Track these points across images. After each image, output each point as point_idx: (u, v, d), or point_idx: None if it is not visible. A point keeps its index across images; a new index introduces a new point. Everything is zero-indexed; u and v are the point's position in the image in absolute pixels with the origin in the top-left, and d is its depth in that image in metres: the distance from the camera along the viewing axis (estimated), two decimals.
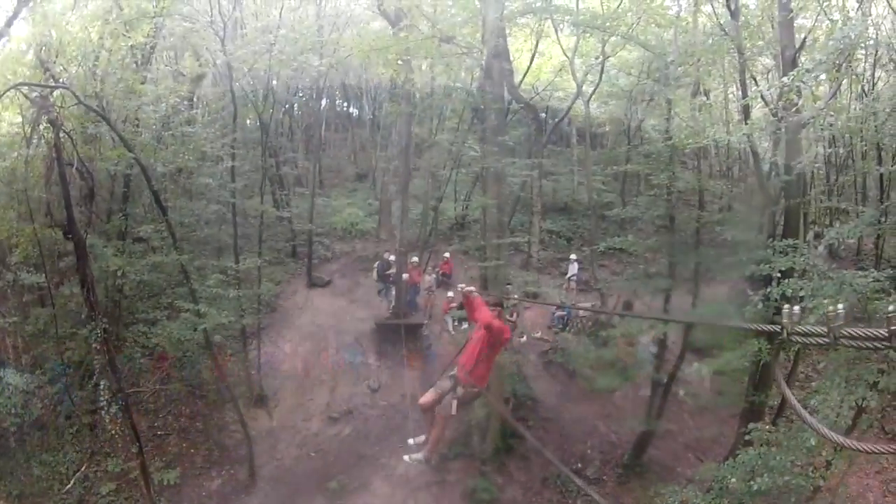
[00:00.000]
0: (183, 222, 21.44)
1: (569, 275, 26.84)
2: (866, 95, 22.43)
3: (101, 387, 16.10)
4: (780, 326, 2.79)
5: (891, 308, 2.22)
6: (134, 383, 18.71)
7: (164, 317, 20.11)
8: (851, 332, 2.47)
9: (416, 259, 25.15)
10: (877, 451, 2.86)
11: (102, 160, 17.66)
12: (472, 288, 8.82)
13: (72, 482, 16.23)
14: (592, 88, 27.12)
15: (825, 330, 2.55)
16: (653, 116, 26.34)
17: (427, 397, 9.10)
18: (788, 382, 15.74)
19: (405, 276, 23.69)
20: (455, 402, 8.69)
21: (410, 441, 9.71)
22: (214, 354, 18.35)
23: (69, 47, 16.91)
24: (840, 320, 2.49)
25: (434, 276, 26.19)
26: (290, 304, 25.57)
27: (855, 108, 22.18)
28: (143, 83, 18.84)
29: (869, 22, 17.75)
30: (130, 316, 20.72)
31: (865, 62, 22.96)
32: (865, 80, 23.43)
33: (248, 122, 28.05)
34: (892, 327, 2.21)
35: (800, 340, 2.74)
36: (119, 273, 18.42)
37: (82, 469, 16.62)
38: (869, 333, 2.39)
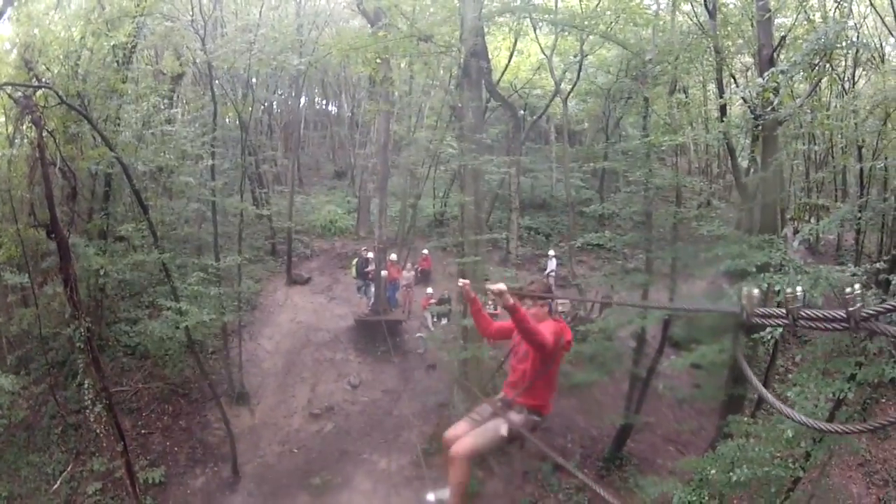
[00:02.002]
0: (164, 221, 21.48)
1: (547, 270, 27.00)
2: (846, 93, 22.69)
3: (85, 386, 16.08)
4: (739, 308, 2.90)
5: (847, 290, 2.33)
6: (117, 382, 18.71)
7: (145, 316, 20.19)
8: (810, 314, 2.57)
9: (394, 256, 25.32)
10: (841, 430, 2.98)
11: (84, 159, 17.59)
12: (501, 286, 5.29)
13: (58, 482, 16.22)
14: (571, 86, 27.32)
15: (784, 312, 2.65)
16: (630, 114, 26.52)
17: (458, 429, 6.43)
18: (768, 376, 15.94)
19: (384, 272, 23.83)
20: (506, 429, 6.02)
21: (430, 497, 6.62)
22: (196, 352, 18.34)
23: (52, 47, 16.87)
24: (798, 302, 2.60)
25: (413, 272, 26.32)
26: (271, 302, 25.64)
27: (835, 106, 22.47)
28: (124, 82, 18.84)
29: (850, 22, 17.98)
30: (112, 315, 20.73)
31: (846, 61, 23.21)
32: (846, 79, 23.69)
33: (227, 120, 28.10)
34: (850, 309, 2.32)
35: (759, 322, 2.85)
36: (101, 272, 18.42)
37: (68, 469, 16.60)
38: (827, 315, 2.49)
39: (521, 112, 32.13)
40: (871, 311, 2.26)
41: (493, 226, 28.24)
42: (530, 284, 6.54)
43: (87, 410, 15.88)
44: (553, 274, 26.81)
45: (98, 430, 16.25)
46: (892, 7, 19.77)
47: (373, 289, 24.29)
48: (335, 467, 18.35)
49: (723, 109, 17.53)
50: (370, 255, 24.39)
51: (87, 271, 18.01)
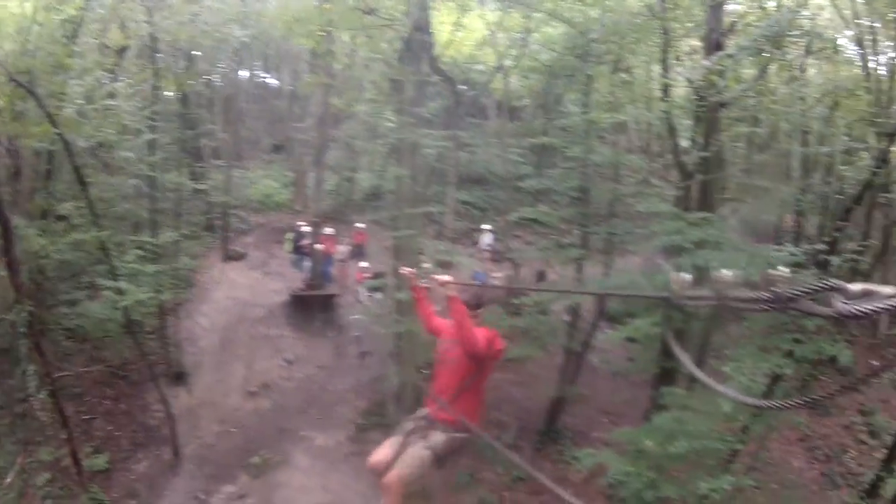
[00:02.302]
0: (102, 198, 20.99)
1: (483, 245, 27.13)
2: (795, 80, 23.04)
3: (29, 373, 15.75)
4: (668, 293, 2.92)
5: (770, 271, 2.35)
6: (59, 367, 18.22)
7: (84, 297, 19.97)
8: (737, 295, 2.60)
9: (330, 230, 25.28)
10: (770, 405, 3.03)
11: (29, 137, 17.19)
12: (447, 278, 5.82)
13: (11, 476, 15.85)
14: (513, 63, 27.32)
15: (712, 294, 2.67)
16: (572, 91, 26.58)
17: (381, 453, 5.91)
18: (703, 351, 16.21)
19: (319, 246, 23.74)
20: (431, 455, 5.72)
21: None
22: (135, 332, 18.07)
23: (5, 24, 16.50)
24: (725, 284, 2.62)
25: (348, 246, 26.27)
26: (207, 279, 25.44)
27: (783, 93, 22.81)
28: (70, 56, 18.42)
29: (805, 11, 18.22)
30: (53, 298, 20.30)
31: (797, 49, 23.54)
32: (796, 67, 24.05)
33: (168, 93, 27.67)
34: (776, 289, 2.34)
35: (688, 304, 2.88)
36: (42, 253, 18.02)
37: (18, 461, 16.25)
38: (754, 296, 2.51)
39: (462, 87, 32.06)
40: (796, 292, 2.28)
41: (430, 200, 28.21)
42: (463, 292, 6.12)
43: (32, 398, 15.61)
44: (489, 248, 26.94)
45: (43, 418, 16.00)
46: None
47: (308, 263, 24.24)
48: (274, 445, 18.33)
49: (665, 89, 17.66)
50: (306, 229, 24.33)
51: (29, 253, 17.59)
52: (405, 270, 6.59)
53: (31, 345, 14.72)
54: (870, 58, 20.61)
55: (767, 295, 2.38)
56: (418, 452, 5.74)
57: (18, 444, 16.54)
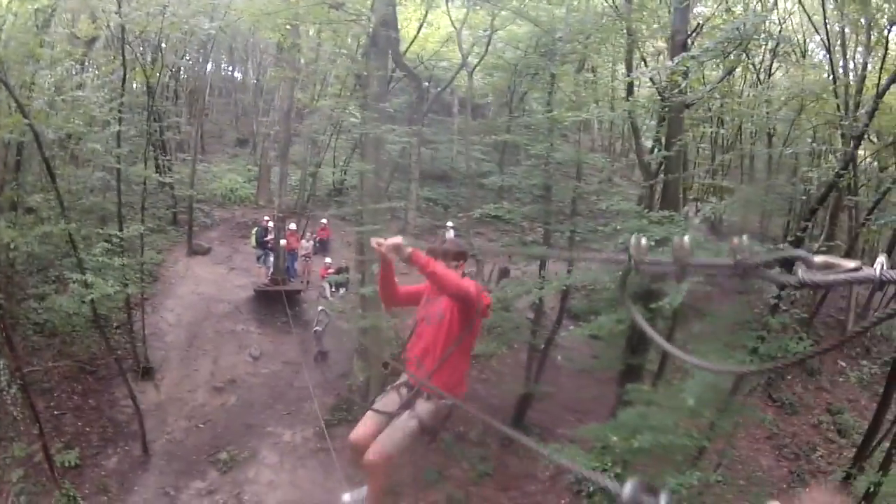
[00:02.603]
0: (70, 190, 20.82)
1: None
2: (761, 83, 23.29)
3: (0, 367, 15.56)
4: (627, 256, 2.98)
5: (735, 240, 2.43)
6: (29, 362, 18.03)
7: (52, 291, 19.79)
8: (698, 261, 2.64)
9: (293, 225, 25.42)
10: (733, 371, 3.11)
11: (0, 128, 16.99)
12: (397, 239, 4.91)
13: None
14: (478, 60, 27.43)
15: (672, 261, 2.73)
16: (536, 90, 26.73)
17: (363, 429, 5.36)
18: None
19: (283, 242, 23.81)
20: (416, 426, 5.14)
21: (346, 498, 5.70)
22: (102, 327, 17.99)
23: None
24: (685, 251, 2.68)
25: (311, 241, 26.31)
26: (172, 273, 25.22)
27: (748, 94, 23.09)
28: (41, 46, 18.23)
29: (773, 16, 18.47)
30: (21, 292, 20.10)
31: (763, 53, 23.83)
32: (762, 70, 24.32)
33: (135, 86, 27.43)
34: (738, 257, 2.41)
35: (647, 269, 2.92)
36: (12, 246, 17.82)
37: None
38: (715, 262, 2.57)
39: (426, 84, 32.15)
40: (757, 261, 2.35)
41: (393, 196, 28.20)
42: (442, 244, 5.55)
43: (4, 393, 15.45)
44: None
45: (16, 414, 15.83)
46: (822, 6, 20.48)
47: (272, 258, 24.32)
48: (241, 441, 18.33)
49: (629, 88, 17.81)
50: (270, 223, 24.41)
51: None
52: (374, 241, 5.82)
53: (1, 339, 14.57)
54: (839, 63, 20.98)
55: (728, 262, 2.44)
56: (403, 423, 5.18)
57: None
